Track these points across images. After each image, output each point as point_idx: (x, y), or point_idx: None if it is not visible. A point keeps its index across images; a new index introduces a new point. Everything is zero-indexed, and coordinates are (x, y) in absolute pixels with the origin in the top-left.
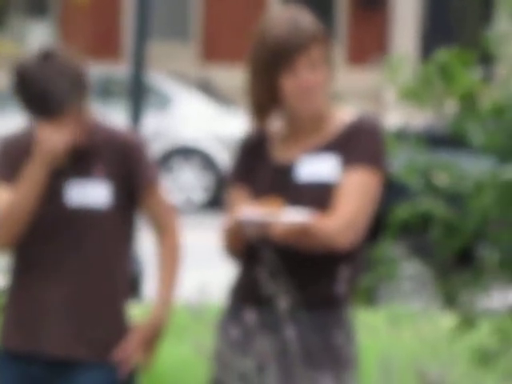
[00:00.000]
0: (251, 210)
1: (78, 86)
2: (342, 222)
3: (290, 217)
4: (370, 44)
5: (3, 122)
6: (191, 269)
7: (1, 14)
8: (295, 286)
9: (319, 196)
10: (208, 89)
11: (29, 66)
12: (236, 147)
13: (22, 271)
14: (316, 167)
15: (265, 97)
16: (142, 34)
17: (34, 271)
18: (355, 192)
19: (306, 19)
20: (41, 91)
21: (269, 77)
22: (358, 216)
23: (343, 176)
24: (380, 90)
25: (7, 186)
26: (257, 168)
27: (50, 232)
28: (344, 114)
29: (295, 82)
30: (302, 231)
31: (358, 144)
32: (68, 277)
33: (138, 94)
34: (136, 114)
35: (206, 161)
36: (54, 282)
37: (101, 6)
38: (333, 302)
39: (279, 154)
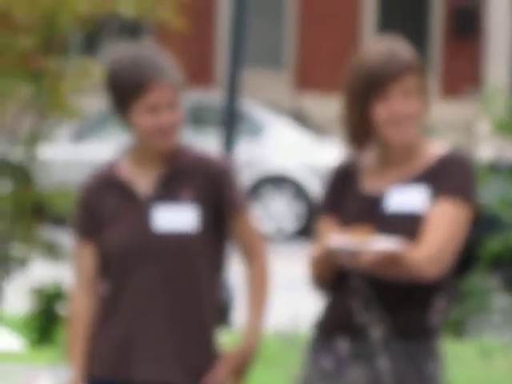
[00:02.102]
0: (342, 238)
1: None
2: (430, 252)
3: (380, 245)
4: (463, 75)
5: (96, 146)
6: (283, 297)
7: (93, 37)
8: (388, 315)
9: (408, 227)
10: (301, 118)
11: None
12: (327, 176)
13: (111, 298)
14: (406, 198)
15: (359, 125)
16: (237, 61)
17: (123, 298)
18: (444, 224)
19: (402, 48)
20: (148, 59)
21: (362, 105)
22: (446, 247)
23: (432, 208)
24: (473, 122)
25: (90, 243)
26: (347, 197)
27: (138, 258)
28: (435, 147)
29: (387, 111)
30: (392, 259)
31: (449, 177)
32: (157, 303)
33: (231, 122)
34: (228, 141)
35: (297, 190)
36: (144, 309)
37: (195, 32)
38: (426, 333)
39: (370, 184)
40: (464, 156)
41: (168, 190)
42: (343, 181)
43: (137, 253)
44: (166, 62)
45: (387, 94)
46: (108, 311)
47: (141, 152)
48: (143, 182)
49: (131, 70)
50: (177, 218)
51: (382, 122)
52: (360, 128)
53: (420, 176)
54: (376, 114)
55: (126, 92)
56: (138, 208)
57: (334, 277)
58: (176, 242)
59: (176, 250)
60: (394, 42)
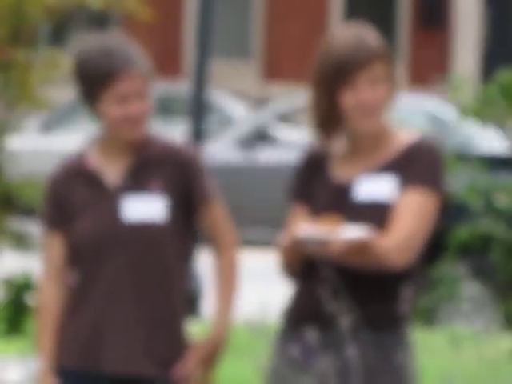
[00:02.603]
0: (309, 227)
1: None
2: (398, 240)
3: (348, 234)
4: (431, 64)
5: (65, 137)
6: (251, 287)
7: (61, 28)
8: (357, 305)
9: (376, 216)
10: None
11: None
12: (296, 163)
13: (80, 288)
14: (374, 187)
15: (327, 113)
16: (204, 51)
17: (92, 288)
18: (412, 212)
19: (369, 36)
20: (116, 48)
21: (330, 92)
22: (414, 236)
23: (401, 196)
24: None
25: (59, 233)
26: (316, 185)
27: (107, 248)
28: (405, 135)
29: (355, 98)
30: (360, 247)
31: (417, 165)
32: (126, 293)
33: (199, 112)
34: (197, 132)
35: None
36: (113, 299)
37: (162, 23)
38: (395, 322)
39: (339, 172)
40: (432, 144)
41: (137, 180)
42: (312, 168)
43: (106, 243)
44: (134, 51)
45: (355, 81)
46: (77, 301)
47: (109, 142)
48: (112, 171)
49: (100, 60)
50: (146, 208)
51: (349, 110)
52: (328, 116)
53: (389, 164)
54: (344, 101)
55: (94, 81)
56: (107, 198)
57: (303, 265)
58: (145, 232)
59: (145, 240)
60: (361, 29)
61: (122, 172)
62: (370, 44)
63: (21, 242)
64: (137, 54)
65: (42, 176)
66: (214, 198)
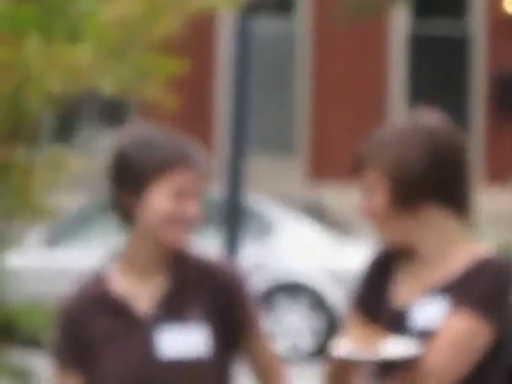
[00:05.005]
0: (349, 345)
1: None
2: (429, 370)
3: (391, 350)
4: (509, 161)
5: (74, 252)
6: None
7: (67, 120)
8: None
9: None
10: (318, 213)
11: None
12: (354, 280)
13: None
14: (429, 313)
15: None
16: (239, 149)
17: None
18: (450, 340)
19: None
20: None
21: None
22: (444, 368)
23: (445, 319)
24: None
25: (75, 372)
26: (378, 298)
27: None
28: (473, 250)
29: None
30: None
31: (473, 286)
32: None
33: (235, 219)
34: (232, 241)
35: (315, 300)
36: None
37: (191, 112)
38: None
39: (399, 291)
40: (499, 266)
41: (173, 308)
42: (379, 275)
43: (140, 383)
44: (192, 146)
45: None
46: None
47: (140, 256)
48: (142, 296)
49: (152, 150)
50: (185, 341)
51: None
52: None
53: (446, 286)
54: None
55: (145, 171)
56: (139, 330)
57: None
58: (185, 369)
59: (186, 377)
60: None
61: (155, 297)
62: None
63: (22, 379)
64: (195, 148)
65: (48, 299)
66: (259, 323)
